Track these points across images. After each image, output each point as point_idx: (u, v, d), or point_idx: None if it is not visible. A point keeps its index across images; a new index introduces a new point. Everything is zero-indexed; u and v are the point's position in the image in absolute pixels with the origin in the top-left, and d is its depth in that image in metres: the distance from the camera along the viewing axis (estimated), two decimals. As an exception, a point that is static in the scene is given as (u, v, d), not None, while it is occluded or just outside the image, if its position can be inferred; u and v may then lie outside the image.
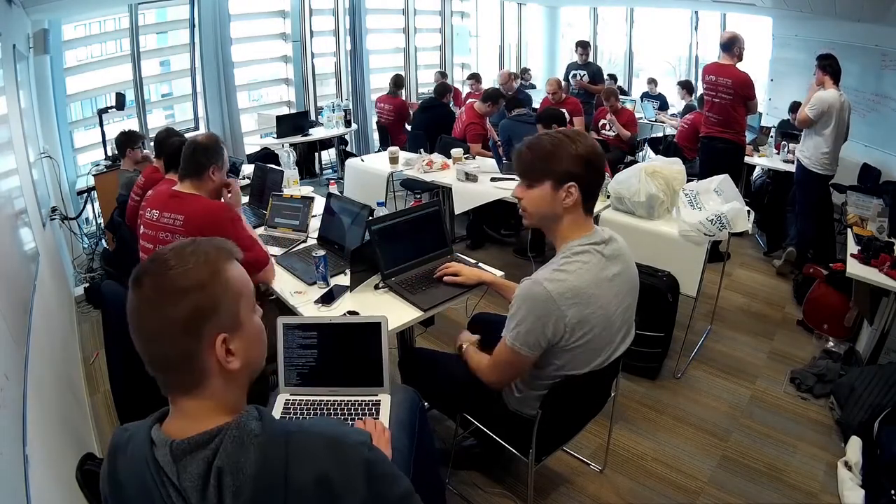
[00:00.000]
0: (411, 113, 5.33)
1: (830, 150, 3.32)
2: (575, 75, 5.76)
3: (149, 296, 0.72)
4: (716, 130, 3.73)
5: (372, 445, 0.79)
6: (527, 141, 1.36)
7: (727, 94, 3.62)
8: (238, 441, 0.71)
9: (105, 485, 0.78)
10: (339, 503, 0.73)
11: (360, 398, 1.42)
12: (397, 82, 5.46)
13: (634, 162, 4.00)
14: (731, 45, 3.64)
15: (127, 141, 3.47)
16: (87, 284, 3.46)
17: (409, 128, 5.31)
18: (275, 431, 0.73)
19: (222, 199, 2.01)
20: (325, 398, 1.43)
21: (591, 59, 5.97)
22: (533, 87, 7.24)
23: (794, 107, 4.91)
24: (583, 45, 5.86)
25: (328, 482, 0.72)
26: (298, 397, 1.43)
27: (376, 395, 1.43)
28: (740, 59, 3.64)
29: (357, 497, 0.74)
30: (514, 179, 2.02)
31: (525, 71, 7.54)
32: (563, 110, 4.69)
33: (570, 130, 1.34)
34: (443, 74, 6.36)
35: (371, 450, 0.78)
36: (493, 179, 3.37)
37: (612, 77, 5.93)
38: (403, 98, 5.44)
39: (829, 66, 3.30)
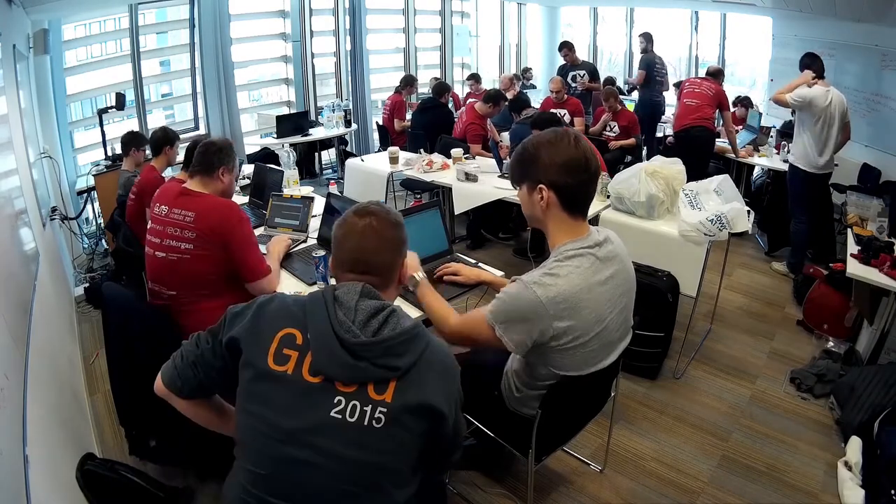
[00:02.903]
0: (408, 112, 5.32)
1: (815, 147, 3.31)
2: (575, 77, 5.75)
3: (373, 224, 1.07)
4: (691, 119, 4.18)
5: None
6: (519, 144, 1.38)
7: (708, 91, 4.21)
8: (402, 313, 1.03)
9: (252, 304, 1.04)
10: (451, 377, 1.02)
11: None
12: (407, 81, 5.47)
13: (635, 162, 4.03)
14: (718, 74, 4.48)
15: (133, 140, 3.48)
16: (87, 284, 3.46)
17: (398, 126, 5.31)
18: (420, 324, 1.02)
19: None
20: None
21: (577, 57, 5.90)
22: (533, 87, 7.24)
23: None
24: (567, 46, 5.83)
25: (449, 361, 1.02)
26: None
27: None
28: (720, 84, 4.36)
29: (456, 386, 1.04)
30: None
31: (526, 70, 7.54)
32: (562, 111, 4.74)
33: (560, 133, 1.31)
34: (436, 79, 6.33)
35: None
36: (500, 176, 3.42)
37: (610, 80, 5.89)
38: (402, 97, 5.42)
39: (811, 65, 3.36)
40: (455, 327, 1.45)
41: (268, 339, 0.95)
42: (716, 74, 4.44)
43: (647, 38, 5.73)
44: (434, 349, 0.99)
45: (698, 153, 4.10)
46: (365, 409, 0.90)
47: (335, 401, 0.91)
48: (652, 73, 5.58)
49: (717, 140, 4.44)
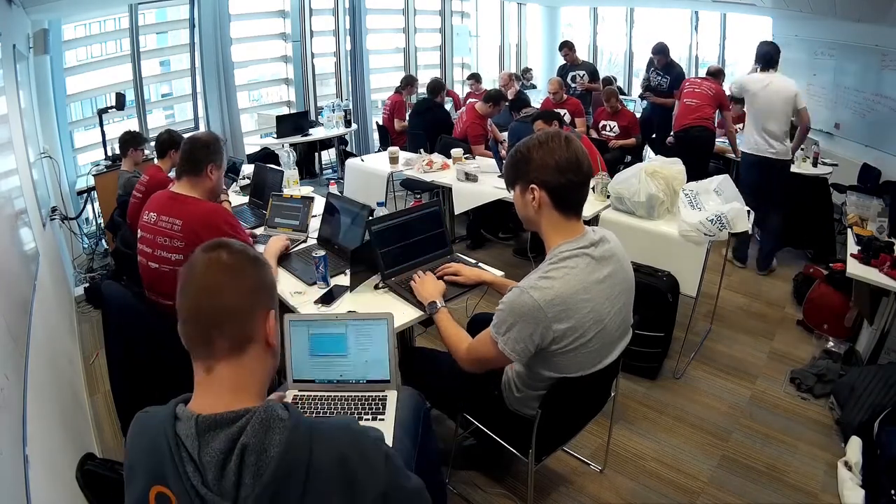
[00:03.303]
0: (408, 111, 5.32)
1: (747, 127, 3.54)
2: (575, 77, 5.74)
3: (225, 260, 0.81)
4: (691, 119, 4.18)
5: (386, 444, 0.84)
6: (517, 142, 1.38)
7: (708, 91, 4.19)
8: (265, 423, 0.74)
9: (125, 461, 0.81)
10: (359, 487, 0.75)
11: (366, 394, 1.43)
12: (408, 81, 5.46)
13: (635, 162, 4.03)
14: (719, 74, 4.49)
15: (131, 140, 3.48)
16: (87, 284, 3.47)
17: (397, 126, 5.30)
18: (301, 418, 0.77)
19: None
20: (332, 394, 1.43)
21: (577, 57, 5.87)
22: (534, 87, 7.23)
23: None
24: (567, 46, 5.80)
25: (351, 465, 0.76)
26: (306, 393, 1.44)
27: (383, 391, 1.43)
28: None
29: (378, 483, 0.77)
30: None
31: (527, 70, 7.54)
32: (562, 111, 4.73)
33: (551, 135, 1.32)
34: (434, 79, 6.27)
35: (387, 446, 0.84)
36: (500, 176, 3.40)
37: (608, 80, 5.86)
38: (403, 97, 5.42)
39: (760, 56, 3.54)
40: (466, 353, 1.47)
41: (145, 500, 0.76)
42: (716, 74, 4.44)
43: (665, 51, 5.22)
44: (326, 461, 0.74)
45: (698, 153, 4.10)
46: None
47: None
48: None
49: (717, 140, 4.44)
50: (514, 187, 1.38)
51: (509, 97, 5.00)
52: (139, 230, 1.91)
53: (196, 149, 1.89)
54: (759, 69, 3.49)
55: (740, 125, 4.73)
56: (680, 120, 4.32)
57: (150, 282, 1.87)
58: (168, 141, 2.93)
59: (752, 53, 3.67)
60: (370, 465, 0.78)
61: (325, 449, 0.75)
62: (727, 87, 3.49)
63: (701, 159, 4.14)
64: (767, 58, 3.46)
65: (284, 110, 6.10)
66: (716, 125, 4.28)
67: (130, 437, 0.81)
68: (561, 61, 6.02)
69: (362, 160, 4.12)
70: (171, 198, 1.86)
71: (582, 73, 5.74)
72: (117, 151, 3.84)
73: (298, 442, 0.73)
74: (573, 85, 5.67)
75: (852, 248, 2.63)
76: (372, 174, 3.86)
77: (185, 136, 2.19)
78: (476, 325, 1.88)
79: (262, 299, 0.83)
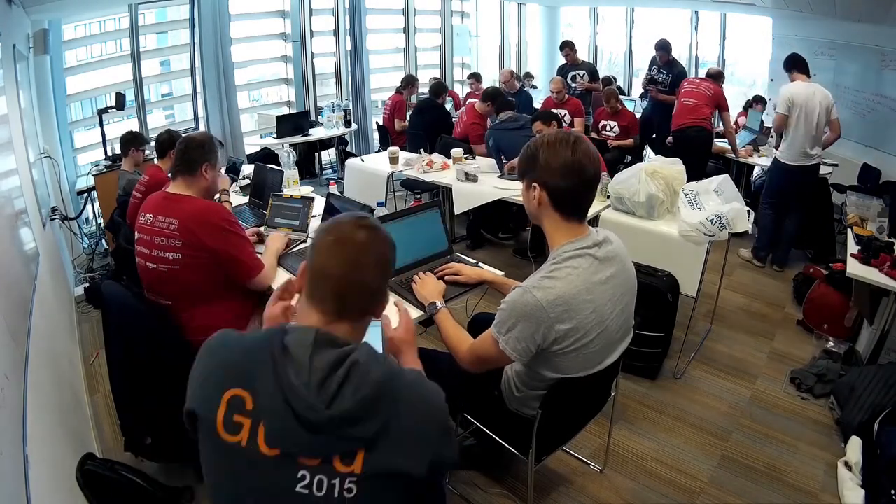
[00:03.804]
0: (409, 111, 5.32)
1: (793, 136, 3.44)
2: (575, 77, 5.74)
3: (366, 243, 0.90)
4: (688, 119, 4.21)
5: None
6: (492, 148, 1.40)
7: (707, 91, 4.22)
8: (371, 354, 0.85)
9: (193, 372, 0.88)
10: (416, 460, 0.83)
11: None
12: (408, 81, 5.46)
13: (635, 162, 4.03)
14: (719, 77, 4.46)
15: (133, 140, 3.48)
16: (87, 284, 3.46)
17: (398, 127, 5.29)
18: (395, 366, 0.88)
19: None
20: None
21: (577, 57, 5.84)
22: (535, 87, 7.23)
23: (750, 103, 5.23)
24: (569, 46, 5.78)
25: (424, 434, 0.85)
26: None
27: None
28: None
29: (432, 467, 0.85)
30: (515, 180, 2.02)
31: (527, 76, 7.50)
32: (563, 111, 4.73)
33: (561, 136, 1.32)
34: (435, 79, 6.27)
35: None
36: (500, 176, 3.42)
37: (607, 80, 5.85)
38: (403, 97, 5.42)
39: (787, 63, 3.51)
40: (467, 352, 1.46)
41: (215, 402, 0.82)
42: (716, 77, 4.42)
43: (667, 47, 5.21)
44: (409, 405, 0.84)
45: (695, 153, 4.09)
46: (333, 482, 0.80)
47: (299, 475, 0.80)
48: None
49: (717, 140, 4.44)
50: (523, 181, 1.39)
51: (511, 94, 4.98)
52: (136, 231, 1.90)
53: (191, 148, 1.88)
54: (800, 77, 3.41)
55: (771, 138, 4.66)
56: (677, 119, 4.33)
57: (149, 282, 1.86)
58: (168, 141, 2.92)
59: (754, 54, 3.67)
60: (438, 428, 0.87)
61: (413, 397, 0.86)
62: (770, 104, 3.46)
63: (699, 159, 4.14)
64: (806, 66, 3.44)
65: (284, 110, 6.10)
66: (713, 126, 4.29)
67: (209, 351, 0.89)
68: (561, 61, 6.02)
69: (362, 160, 4.12)
70: (166, 198, 1.85)
71: (582, 72, 5.74)
72: (117, 151, 3.85)
73: (393, 385, 0.84)
74: (573, 85, 5.67)
75: (852, 248, 2.63)
76: (372, 174, 3.86)
77: (172, 133, 2.18)
78: (477, 325, 1.88)
79: (388, 277, 0.97)
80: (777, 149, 3.64)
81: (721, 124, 4.57)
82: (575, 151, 1.28)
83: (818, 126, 3.35)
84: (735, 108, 5.05)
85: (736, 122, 4.89)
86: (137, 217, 1.90)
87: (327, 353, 0.82)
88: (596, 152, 1.32)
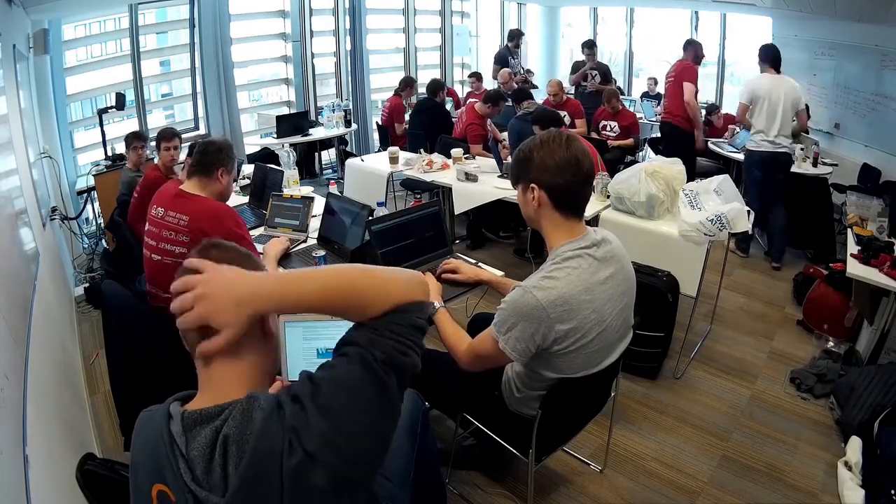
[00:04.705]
0: (407, 112, 5.32)
1: (756, 126, 3.58)
2: (587, 75, 5.75)
3: (215, 257, 0.80)
4: (663, 116, 4.29)
5: None
6: (516, 139, 1.40)
7: (672, 78, 4.17)
8: (246, 413, 0.71)
9: (130, 460, 0.82)
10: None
11: None
12: (406, 83, 5.46)
13: (635, 162, 4.02)
14: (687, 47, 4.21)
15: (136, 138, 3.49)
16: (87, 284, 3.46)
17: (398, 131, 5.29)
18: (278, 400, 0.73)
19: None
20: None
21: (596, 59, 5.94)
22: (535, 87, 7.22)
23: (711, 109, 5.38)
24: (589, 45, 5.84)
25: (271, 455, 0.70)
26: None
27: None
28: (697, 62, 4.24)
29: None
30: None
31: (528, 72, 7.50)
32: (562, 113, 4.72)
33: (553, 135, 1.32)
34: (433, 79, 6.29)
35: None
36: (500, 176, 3.42)
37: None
38: (401, 99, 5.42)
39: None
40: (466, 352, 1.46)
41: (148, 498, 0.76)
42: (685, 48, 4.21)
43: (592, 44, 5.80)
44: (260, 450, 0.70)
45: (673, 150, 3.92)
46: None
47: None
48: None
49: (710, 143, 4.43)
50: (518, 186, 1.39)
51: (509, 93, 4.98)
52: (147, 223, 1.95)
53: (210, 151, 1.94)
54: (769, 70, 3.54)
55: (736, 126, 4.72)
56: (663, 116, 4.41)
57: (152, 273, 1.89)
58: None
59: (754, 54, 3.70)
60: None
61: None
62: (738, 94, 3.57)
63: (680, 156, 4.00)
64: (778, 59, 3.54)
65: (284, 110, 6.09)
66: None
67: (134, 436, 0.82)
68: (566, 60, 6.03)
69: (362, 160, 4.12)
70: (178, 195, 1.89)
71: (595, 73, 5.75)
72: (118, 151, 3.85)
73: (272, 426, 0.69)
74: (584, 83, 5.69)
75: (852, 248, 2.63)
76: (372, 174, 3.86)
77: (187, 136, 2.22)
78: (476, 324, 1.88)
79: None
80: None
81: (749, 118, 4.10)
82: (569, 148, 1.29)
83: (783, 116, 3.45)
84: (735, 107, 5.05)
85: (735, 120, 4.88)
86: (149, 208, 1.95)
87: (200, 436, 0.72)
88: (587, 148, 1.34)
